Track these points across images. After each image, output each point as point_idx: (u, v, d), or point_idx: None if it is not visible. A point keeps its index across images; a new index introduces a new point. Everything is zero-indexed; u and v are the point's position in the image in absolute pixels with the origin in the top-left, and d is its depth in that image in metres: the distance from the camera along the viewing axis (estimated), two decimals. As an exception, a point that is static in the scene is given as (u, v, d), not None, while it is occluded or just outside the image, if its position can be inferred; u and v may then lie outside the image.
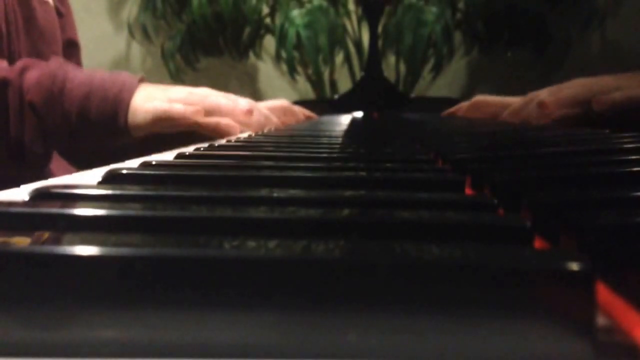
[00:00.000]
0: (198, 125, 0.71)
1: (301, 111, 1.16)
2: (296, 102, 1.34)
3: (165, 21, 2.20)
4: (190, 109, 0.71)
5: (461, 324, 0.12)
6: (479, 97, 1.07)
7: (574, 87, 0.76)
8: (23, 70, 0.68)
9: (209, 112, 0.73)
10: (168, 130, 0.72)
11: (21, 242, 0.14)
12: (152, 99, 0.71)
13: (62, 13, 0.90)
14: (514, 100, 0.95)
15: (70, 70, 0.71)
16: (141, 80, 0.73)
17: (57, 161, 0.85)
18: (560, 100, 0.77)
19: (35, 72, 0.68)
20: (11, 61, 0.71)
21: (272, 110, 0.99)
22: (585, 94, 0.74)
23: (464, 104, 1.08)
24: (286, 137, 0.64)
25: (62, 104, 0.68)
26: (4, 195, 0.24)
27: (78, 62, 0.94)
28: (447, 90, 2.15)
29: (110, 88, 0.69)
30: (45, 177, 0.32)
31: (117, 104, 0.69)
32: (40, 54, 0.76)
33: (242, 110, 0.75)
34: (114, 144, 0.72)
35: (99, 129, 0.70)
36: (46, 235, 0.15)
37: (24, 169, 0.74)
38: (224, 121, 0.72)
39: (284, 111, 1.06)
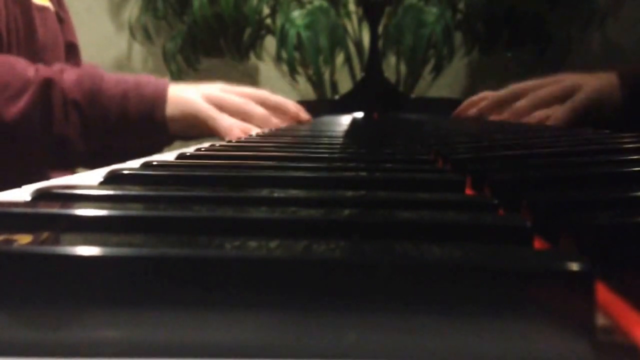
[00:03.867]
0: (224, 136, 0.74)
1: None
2: (296, 102, 1.33)
3: (166, 22, 2.20)
4: (228, 121, 0.74)
5: (461, 324, 0.12)
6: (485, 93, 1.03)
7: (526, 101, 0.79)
8: (62, 71, 0.71)
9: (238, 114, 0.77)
10: (195, 130, 0.75)
11: (24, 239, 0.14)
12: (189, 93, 0.75)
13: (63, 18, 0.90)
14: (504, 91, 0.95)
15: (104, 72, 0.74)
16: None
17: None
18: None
19: (74, 73, 0.71)
20: None
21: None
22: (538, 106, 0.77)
23: (481, 102, 1.01)
24: (287, 138, 0.64)
25: (102, 102, 0.71)
26: (5, 196, 0.24)
27: (78, 64, 0.94)
28: (448, 91, 2.15)
29: (145, 86, 0.73)
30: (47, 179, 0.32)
31: (155, 99, 0.73)
32: (41, 62, 0.77)
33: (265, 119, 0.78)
34: (150, 141, 0.75)
35: (137, 125, 0.73)
36: (47, 235, 0.15)
37: (68, 169, 0.76)
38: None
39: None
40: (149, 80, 0.75)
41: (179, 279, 0.13)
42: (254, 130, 0.74)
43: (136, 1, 2.23)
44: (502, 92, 0.91)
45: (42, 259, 0.13)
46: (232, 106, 0.77)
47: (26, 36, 0.79)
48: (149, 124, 0.73)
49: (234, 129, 0.73)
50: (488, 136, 0.63)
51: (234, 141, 0.56)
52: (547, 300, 0.12)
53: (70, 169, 0.77)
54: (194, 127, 0.75)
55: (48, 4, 0.85)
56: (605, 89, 0.74)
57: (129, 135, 0.74)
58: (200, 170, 0.32)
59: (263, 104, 0.80)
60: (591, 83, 0.76)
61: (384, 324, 0.13)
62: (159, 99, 0.73)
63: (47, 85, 0.68)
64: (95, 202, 0.22)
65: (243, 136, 0.72)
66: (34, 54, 0.78)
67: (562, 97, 0.78)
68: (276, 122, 0.80)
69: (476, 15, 2.05)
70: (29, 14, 0.80)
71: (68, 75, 0.71)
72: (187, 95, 0.75)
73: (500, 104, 0.89)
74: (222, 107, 0.76)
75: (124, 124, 0.72)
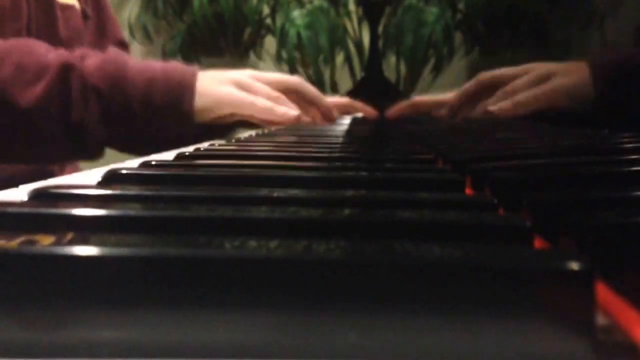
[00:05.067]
0: (259, 121, 0.71)
1: (364, 107, 1.13)
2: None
3: (166, 21, 2.20)
4: (266, 103, 0.70)
5: (461, 323, 0.12)
6: (417, 98, 1.06)
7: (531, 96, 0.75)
8: (84, 56, 0.68)
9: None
10: (229, 119, 0.72)
11: (45, 240, 0.14)
12: (220, 83, 0.71)
13: (89, 15, 0.89)
14: (448, 98, 0.94)
15: (129, 58, 0.71)
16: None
17: (69, 170, 0.85)
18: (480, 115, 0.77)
19: (96, 58, 0.68)
20: None
21: (335, 106, 0.97)
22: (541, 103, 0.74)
23: (403, 104, 1.06)
24: (287, 137, 0.64)
25: (125, 88, 0.68)
26: (2, 196, 0.24)
27: None
28: (448, 91, 2.15)
29: (172, 74, 0.69)
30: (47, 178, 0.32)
31: (183, 89, 0.69)
32: None
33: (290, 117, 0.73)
34: (175, 131, 0.71)
35: (163, 115, 0.69)
36: (49, 235, 0.15)
37: (86, 159, 0.73)
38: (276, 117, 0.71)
39: (346, 107, 1.04)
40: (176, 68, 0.71)
41: (178, 279, 0.13)
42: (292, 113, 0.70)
43: (136, 1, 2.23)
44: (469, 85, 0.85)
45: (41, 260, 0.13)
46: (263, 95, 0.72)
47: (47, 34, 0.77)
48: (175, 115, 0.69)
49: (273, 109, 0.70)
50: (488, 136, 0.63)
51: (233, 141, 0.56)
52: (547, 300, 0.12)
53: (91, 158, 0.74)
54: (228, 115, 0.71)
55: (73, 2, 0.84)
56: (579, 80, 0.71)
57: (154, 124, 0.70)
58: (199, 170, 0.32)
59: (296, 93, 0.76)
60: (565, 72, 0.73)
61: (384, 324, 0.13)
62: (187, 88, 0.69)
63: (67, 70, 0.66)
64: (94, 202, 0.22)
65: (280, 119, 0.69)
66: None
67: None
68: (305, 119, 0.76)
69: (476, 15, 2.05)
70: (52, 12, 0.79)
71: (90, 60, 0.68)
72: (217, 85, 0.71)
73: (470, 99, 0.84)
74: (253, 92, 0.72)
75: (148, 113, 0.69)
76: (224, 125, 0.74)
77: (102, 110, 0.67)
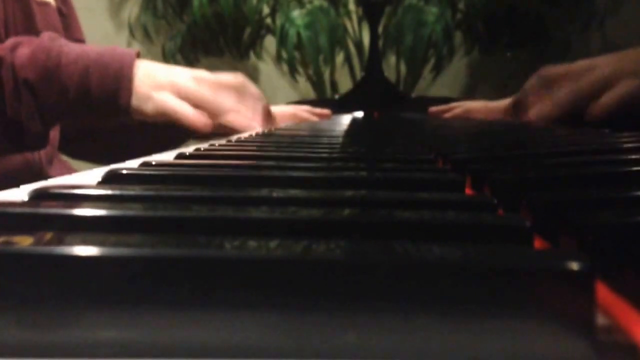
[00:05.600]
0: (200, 133, 0.70)
1: (310, 114, 1.14)
2: (297, 102, 1.33)
3: (166, 21, 2.20)
4: (201, 120, 0.69)
5: (461, 323, 0.12)
6: (470, 105, 1.06)
7: (563, 96, 0.72)
8: (15, 47, 0.65)
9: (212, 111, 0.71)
10: (159, 121, 0.70)
11: (23, 241, 0.14)
12: (159, 88, 0.69)
13: (65, 13, 0.89)
14: (499, 105, 0.94)
15: (64, 44, 0.68)
16: (137, 55, 0.70)
17: (59, 167, 0.84)
18: (547, 115, 0.75)
19: (28, 48, 0.65)
20: None
21: (281, 117, 0.98)
22: (574, 100, 0.71)
23: (456, 109, 1.07)
24: (287, 137, 0.64)
25: (59, 79, 0.65)
26: (3, 196, 0.24)
27: None
28: (448, 90, 2.16)
29: (109, 62, 0.66)
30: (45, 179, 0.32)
31: (119, 80, 0.66)
32: None
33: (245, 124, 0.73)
34: (114, 122, 0.69)
35: (99, 106, 0.67)
36: (49, 235, 0.15)
37: (23, 151, 0.71)
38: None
39: (292, 118, 1.06)
40: (113, 54, 0.67)
41: (178, 279, 0.13)
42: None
43: (136, 0, 2.23)
44: (531, 82, 0.80)
45: (41, 259, 0.13)
46: (201, 101, 0.70)
47: (25, 31, 0.76)
48: (112, 105, 0.66)
49: (200, 121, 0.68)
50: (488, 136, 0.63)
51: (233, 140, 0.56)
52: (547, 300, 0.12)
53: (32, 149, 0.72)
54: (162, 121, 0.69)
55: (49, 0, 0.84)
56: None
57: (91, 115, 0.67)
58: (200, 170, 0.32)
59: (238, 93, 0.74)
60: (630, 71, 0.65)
61: (384, 324, 0.13)
62: (124, 78, 0.66)
63: None
64: (94, 202, 0.22)
65: (210, 130, 0.68)
66: None
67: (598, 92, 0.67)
68: (249, 116, 0.74)
69: (476, 15, 2.05)
70: (29, 9, 0.78)
71: (21, 50, 0.64)
72: (153, 89, 0.68)
73: (534, 96, 0.79)
74: (190, 100, 0.70)
75: (85, 103, 0.66)
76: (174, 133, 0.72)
77: (36, 102, 0.65)
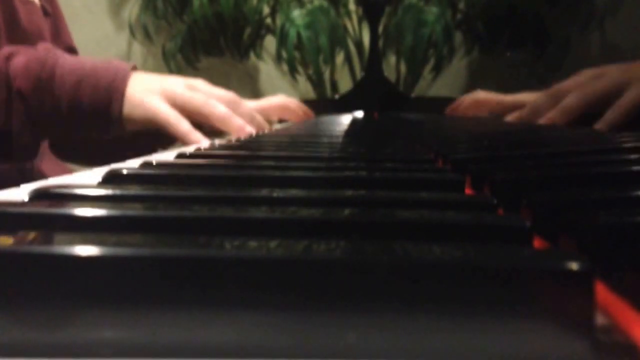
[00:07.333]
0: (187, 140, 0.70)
1: (300, 107, 1.15)
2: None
3: (166, 21, 2.20)
4: (185, 126, 0.68)
5: (461, 323, 0.12)
6: (480, 94, 1.06)
7: (577, 97, 0.72)
8: (9, 57, 0.65)
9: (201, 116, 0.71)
10: (155, 129, 0.70)
11: (4, 241, 0.14)
12: (150, 93, 0.68)
13: (50, 12, 0.88)
14: (510, 98, 0.93)
15: (60, 55, 0.67)
16: (133, 69, 0.70)
17: (49, 162, 0.84)
18: (568, 115, 0.74)
19: (23, 58, 0.65)
20: None
21: (269, 108, 0.98)
22: (584, 106, 0.70)
23: (466, 99, 1.08)
24: (287, 137, 0.64)
25: (52, 90, 0.65)
26: (2, 195, 0.24)
27: None
28: (448, 90, 2.15)
29: (103, 75, 0.66)
30: (36, 178, 0.32)
31: (112, 92, 0.66)
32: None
33: (235, 126, 0.72)
34: (106, 135, 0.69)
35: (91, 118, 0.66)
36: (32, 235, 0.15)
37: (12, 162, 0.71)
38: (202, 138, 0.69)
39: (281, 108, 1.06)
40: (107, 67, 0.67)
41: (178, 279, 0.13)
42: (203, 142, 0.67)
43: (136, 0, 2.23)
44: (539, 98, 0.80)
45: (40, 259, 0.13)
46: (192, 107, 0.70)
47: (9, 28, 0.75)
48: (105, 117, 0.66)
49: (191, 134, 0.68)
50: (488, 136, 0.63)
51: (234, 140, 0.56)
52: (546, 300, 0.12)
53: (20, 160, 0.71)
54: (153, 128, 0.69)
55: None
56: None
57: (83, 128, 0.67)
58: (200, 170, 0.32)
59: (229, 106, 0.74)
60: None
61: (384, 324, 0.13)
62: (117, 91, 0.66)
63: None
64: (94, 202, 0.22)
65: (199, 142, 0.67)
66: (18, 42, 0.74)
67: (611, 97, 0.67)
68: (241, 123, 0.73)
69: (476, 15, 2.05)
70: (12, 6, 0.77)
71: (16, 59, 0.64)
72: (146, 95, 0.68)
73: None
74: (181, 108, 0.69)
75: (78, 115, 0.66)
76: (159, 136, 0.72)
77: (27, 113, 0.65)
